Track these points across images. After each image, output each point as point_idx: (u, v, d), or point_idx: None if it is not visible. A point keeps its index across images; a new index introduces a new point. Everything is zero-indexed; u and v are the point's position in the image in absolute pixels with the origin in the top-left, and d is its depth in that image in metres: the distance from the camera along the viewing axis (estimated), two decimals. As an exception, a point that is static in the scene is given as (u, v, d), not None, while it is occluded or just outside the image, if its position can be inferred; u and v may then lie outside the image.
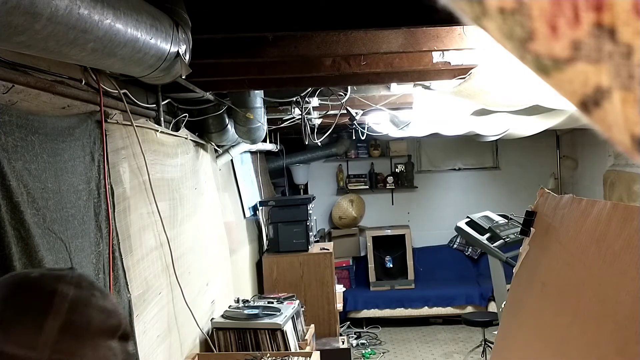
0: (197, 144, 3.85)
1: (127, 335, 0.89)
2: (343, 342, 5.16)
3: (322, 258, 5.34)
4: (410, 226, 7.93)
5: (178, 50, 1.85)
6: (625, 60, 0.26)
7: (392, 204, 8.25)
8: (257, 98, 3.91)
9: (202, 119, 3.95)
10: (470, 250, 7.90)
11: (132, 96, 2.63)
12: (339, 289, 6.09)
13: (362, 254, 7.91)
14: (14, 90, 1.66)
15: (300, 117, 4.31)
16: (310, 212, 5.71)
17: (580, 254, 1.34)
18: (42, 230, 1.69)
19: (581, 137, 6.90)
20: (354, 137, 6.16)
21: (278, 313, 3.74)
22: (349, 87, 3.91)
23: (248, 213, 5.50)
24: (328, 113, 4.75)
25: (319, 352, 4.10)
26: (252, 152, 6.13)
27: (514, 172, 7.96)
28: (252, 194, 5.89)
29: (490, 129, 4.97)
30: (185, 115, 3.63)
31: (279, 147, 6.73)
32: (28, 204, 1.63)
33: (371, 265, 7.65)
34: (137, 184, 2.57)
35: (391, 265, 7.75)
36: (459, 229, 5.06)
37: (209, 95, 3.51)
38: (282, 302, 4.17)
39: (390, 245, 7.79)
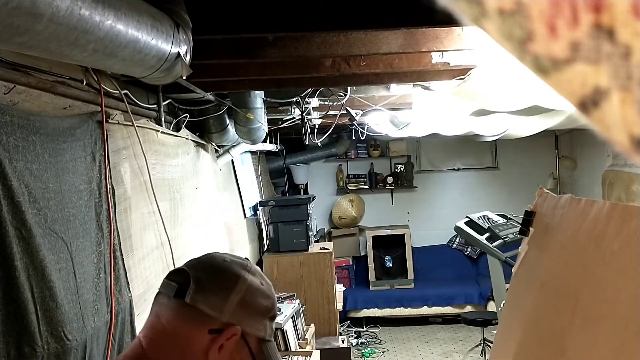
0: (197, 144, 3.85)
1: (274, 316, 1.16)
2: (343, 342, 5.17)
3: (322, 258, 5.35)
4: (409, 226, 7.94)
5: (179, 51, 1.85)
6: (624, 61, 0.26)
7: (392, 204, 8.25)
8: (258, 98, 3.91)
9: (203, 120, 3.95)
10: (469, 249, 7.91)
11: (133, 97, 2.63)
12: (339, 288, 6.10)
13: (362, 253, 7.91)
14: (16, 90, 1.66)
15: (300, 117, 4.31)
16: (310, 212, 5.71)
17: (579, 253, 1.34)
18: (43, 230, 1.69)
19: (580, 138, 6.90)
20: (353, 137, 6.17)
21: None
22: (348, 88, 3.92)
23: (248, 213, 5.50)
24: (328, 113, 4.76)
25: (319, 351, 4.11)
26: (252, 152, 6.13)
27: (513, 172, 7.96)
28: (253, 194, 5.90)
29: (490, 129, 4.97)
30: (186, 116, 3.63)
31: (279, 147, 6.73)
32: (29, 204, 1.63)
33: (371, 264, 7.65)
34: (138, 184, 2.58)
35: (391, 265, 7.75)
36: (458, 229, 5.06)
37: (209, 96, 3.52)
38: (282, 302, 4.18)
39: (390, 245, 7.79)
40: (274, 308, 1.15)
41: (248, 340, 1.08)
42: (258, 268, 1.16)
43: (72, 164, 1.93)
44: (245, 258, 1.17)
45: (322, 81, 3.44)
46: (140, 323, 2.39)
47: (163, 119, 3.11)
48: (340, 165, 8.24)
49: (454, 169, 8.18)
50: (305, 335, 4.23)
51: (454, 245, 8.03)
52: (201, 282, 1.07)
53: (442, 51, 2.66)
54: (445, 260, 7.94)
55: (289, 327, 3.74)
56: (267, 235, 5.82)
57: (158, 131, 2.92)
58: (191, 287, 1.06)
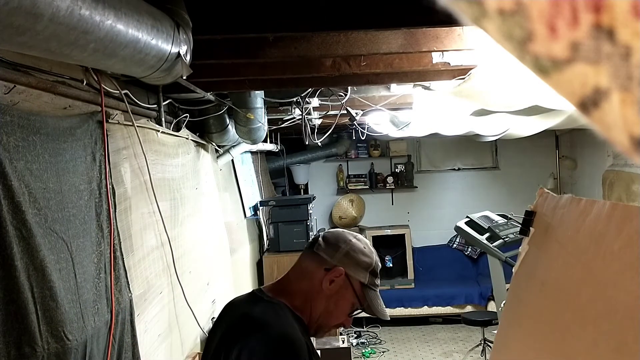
0: (197, 144, 3.85)
1: (375, 272, 1.63)
2: (343, 342, 5.16)
3: (322, 258, 5.34)
4: (410, 226, 7.94)
5: (179, 51, 1.85)
6: (624, 61, 0.26)
7: (392, 204, 8.25)
8: (258, 98, 3.91)
9: (203, 119, 3.95)
10: (469, 249, 7.91)
11: (133, 96, 2.63)
12: (339, 288, 6.08)
13: (362, 253, 7.90)
14: (16, 90, 1.66)
15: (300, 117, 4.31)
16: (311, 211, 5.71)
17: (579, 253, 1.34)
18: (43, 230, 1.69)
19: (580, 138, 6.90)
20: (354, 137, 6.17)
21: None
22: (349, 88, 3.92)
23: (248, 213, 5.51)
24: (328, 113, 4.76)
25: (319, 351, 4.10)
26: (252, 152, 6.13)
27: (513, 172, 7.96)
28: (253, 193, 5.90)
29: (490, 129, 4.98)
30: (186, 116, 3.63)
31: (279, 147, 6.73)
32: (29, 204, 1.63)
33: (371, 265, 7.65)
34: (138, 184, 2.58)
35: (391, 265, 7.75)
36: (458, 229, 5.06)
37: (209, 96, 3.52)
38: (282, 302, 4.17)
39: (390, 244, 7.79)
40: (372, 265, 1.62)
41: (352, 282, 1.59)
42: (365, 239, 1.67)
43: (72, 164, 1.93)
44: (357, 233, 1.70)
45: (322, 81, 3.43)
46: (140, 323, 2.39)
47: (163, 119, 3.11)
48: (340, 165, 8.24)
49: (454, 169, 8.18)
50: (305, 335, 4.23)
51: (454, 245, 8.03)
52: (326, 239, 1.62)
53: (442, 51, 2.66)
54: (445, 260, 7.94)
55: (289, 327, 3.74)
56: (267, 235, 5.82)
57: (158, 131, 2.92)
58: (319, 241, 1.63)
